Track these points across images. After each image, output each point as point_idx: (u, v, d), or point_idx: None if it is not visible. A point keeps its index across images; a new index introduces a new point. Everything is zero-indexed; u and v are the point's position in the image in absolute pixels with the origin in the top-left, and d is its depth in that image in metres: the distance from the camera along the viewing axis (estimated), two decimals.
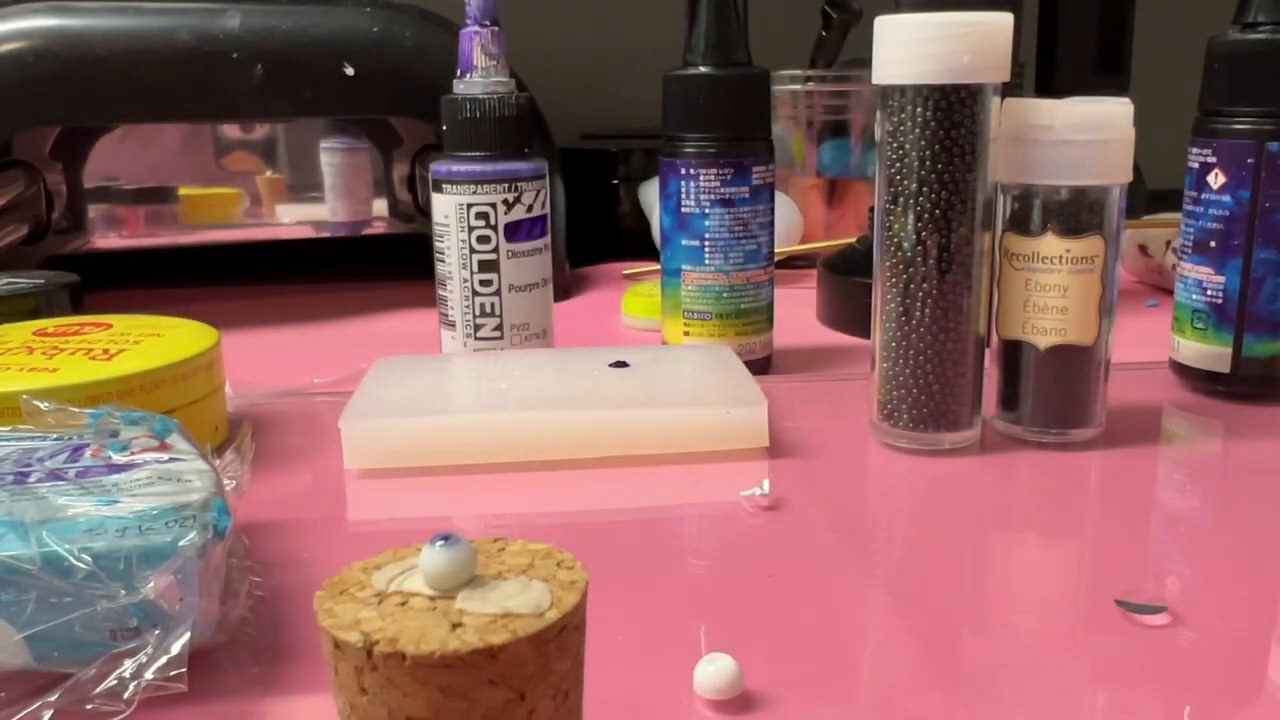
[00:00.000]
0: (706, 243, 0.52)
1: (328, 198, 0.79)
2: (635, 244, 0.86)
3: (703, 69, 0.51)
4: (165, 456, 0.31)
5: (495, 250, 0.49)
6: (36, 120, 0.66)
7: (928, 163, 0.40)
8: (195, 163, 0.77)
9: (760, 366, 0.54)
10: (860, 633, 0.30)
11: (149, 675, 0.25)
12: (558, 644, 0.19)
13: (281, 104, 0.65)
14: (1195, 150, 0.48)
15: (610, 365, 0.46)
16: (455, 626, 0.18)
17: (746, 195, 0.51)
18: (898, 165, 0.40)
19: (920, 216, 0.40)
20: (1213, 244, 0.47)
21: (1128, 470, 0.41)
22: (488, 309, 0.50)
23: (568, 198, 0.75)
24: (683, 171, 0.51)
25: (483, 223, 0.49)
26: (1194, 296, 0.48)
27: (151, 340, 0.42)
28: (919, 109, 0.39)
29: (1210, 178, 0.47)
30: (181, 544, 0.26)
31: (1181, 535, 0.36)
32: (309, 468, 0.42)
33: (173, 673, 0.25)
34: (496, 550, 0.21)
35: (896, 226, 0.41)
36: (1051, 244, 0.41)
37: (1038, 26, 0.76)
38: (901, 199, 0.40)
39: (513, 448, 0.41)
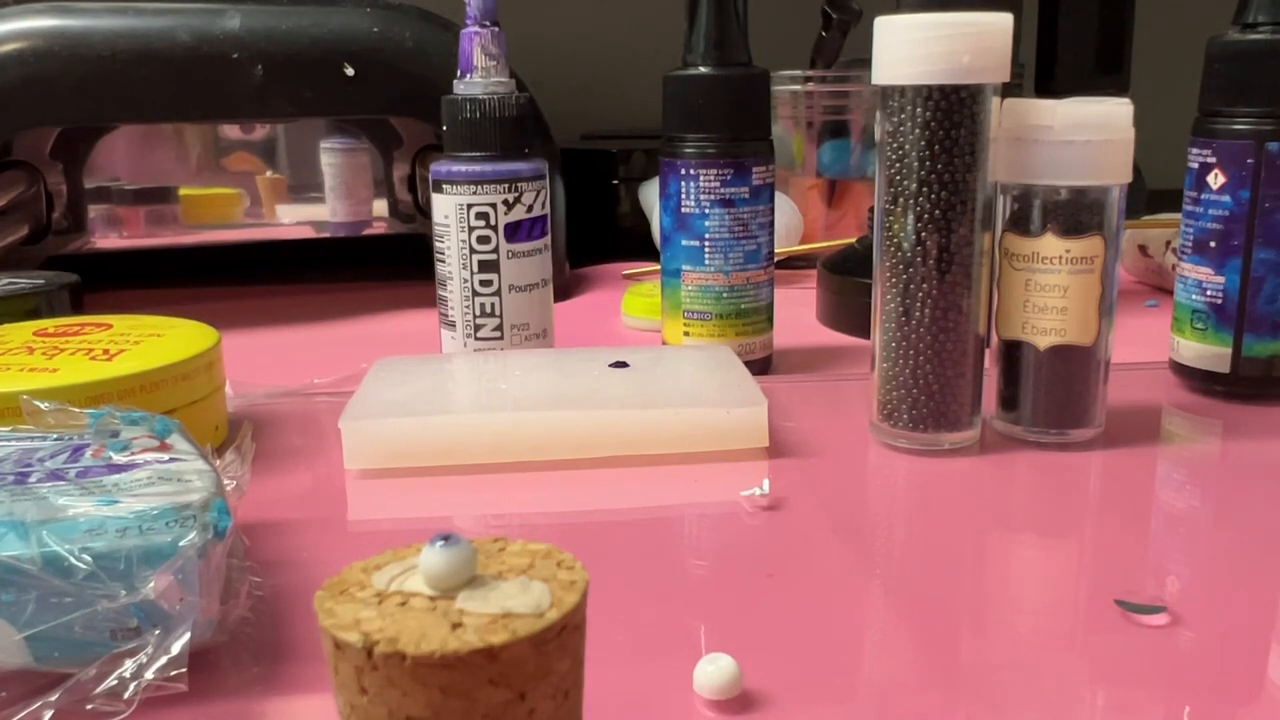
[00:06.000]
0: (706, 243, 0.52)
1: (328, 198, 0.79)
2: (635, 244, 0.86)
3: (703, 69, 0.51)
4: (165, 456, 0.31)
5: (495, 250, 0.49)
6: (36, 120, 0.66)
7: (928, 163, 0.40)
8: (195, 163, 0.77)
9: (760, 366, 0.54)
10: (860, 633, 0.30)
11: (149, 675, 0.25)
12: (558, 644, 0.19)
13: (281, 104, 0.65)
14: (1195, 150, 0.48)
15: (610, 365, 0.46)
16: (455, 626, 0.18)
17: (746, 195, 0.51)
18: (898, 165, 0.40)
19: (920, 216, 0.40)
20: (1212, 244, 0.47)
21: (1128, 470, 0.41)
22: (488, 309, 0.50)
23: (568, 198, 0.75)
24: (683, 172, 0.51)
25: (483, 223, 0.49)
26: (1194, 296, 0.48)
27: (152, 340, 0.42)
28: (919, 109, 0.39)
29: (1210, 178, 0.47)
30: (182, 544, 0.26)
31: (1181, 535, 0.36)
32: (309, 468, 0.42)
33: (173, 673, 0.25)
34: (496, 550, 0.21)
35: (896, 227, 0.41)
36: (1051, 244, 0.41)
37: (1038, 26, 0.75)
38: (901, 199, 0.41)
39: (513, 448, 0.41)
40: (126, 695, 0.25)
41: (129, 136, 0.75)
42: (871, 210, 0.52)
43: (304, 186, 0.79)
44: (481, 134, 0.49)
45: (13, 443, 0.31)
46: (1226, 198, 0.46)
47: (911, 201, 0.40)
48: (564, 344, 0.53)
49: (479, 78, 0.49)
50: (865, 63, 0.49)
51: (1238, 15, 0.47)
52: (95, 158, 0.75)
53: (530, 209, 0.49)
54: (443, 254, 0.50)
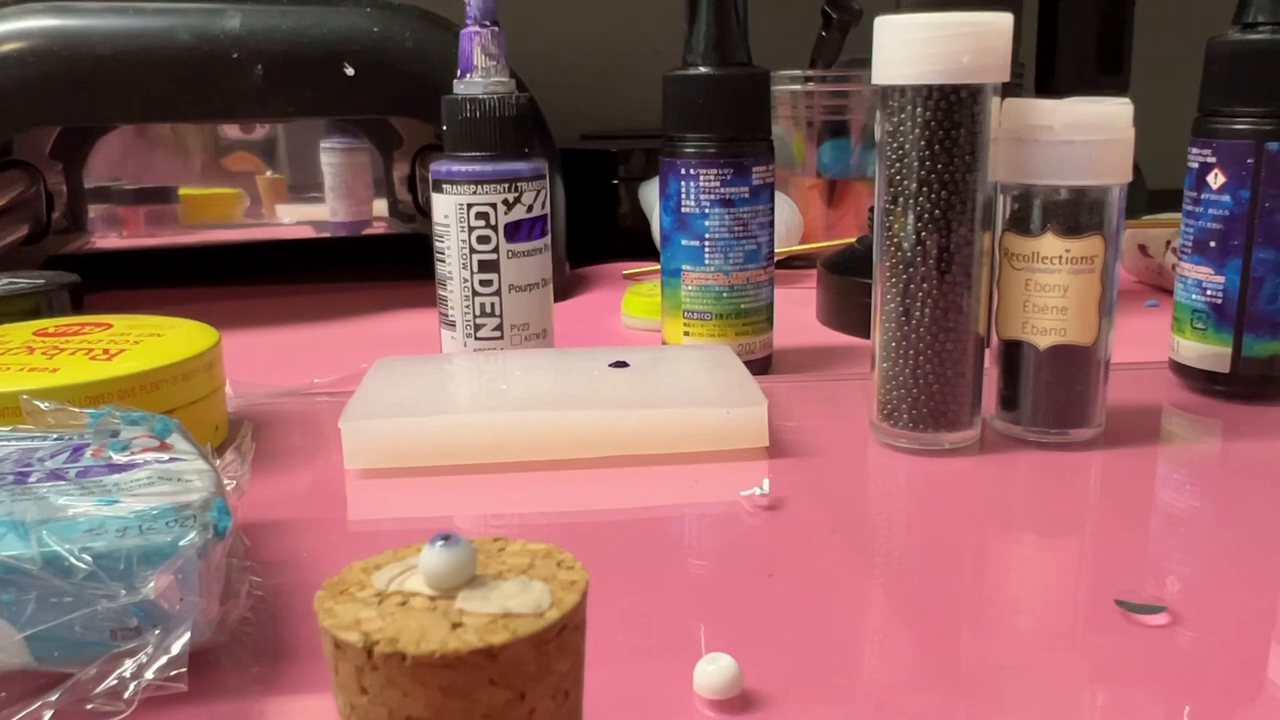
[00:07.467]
0: (706, 243, 0.52)
1: (328, 198, 0.79)
2: (635, 244, 0.86)
3: (703, 69, 0.51)
4: (165, 456, 0.31)
5: (495, 250, 0.49)
6: (36, 120, 0.66)
7: (928, 163, 0.40)
8: (195, 163, 0.77)
9: (760, 366, 0.54)
10: (860, 633, 0.30)
11: (149, 675, 0.25)
12: (558, 644, 0.19)
13: (281, 104, 0.65)
14: (1195, 150, 0.48)
15: (610, 365, 0.46)
16: (455, 626, 0.18)
17: (746, 195, 0.51)
18: (898, 165, 0.40)
19: (920, 216, 0.40)
20: (1212, 244, 0.47)
21: (1128, 470, 0.41)
22: (488, 309, 0.50)
23: (568, 198, 0.75)
24: (683, 171, 0.51)
25: (483, 223, 0.49)
26: (1194, 296, 0.48)
27: (151, 340, 0.42)
28: (919, 109, 0.39)
29: (1210, 178, 0.47)
30: (182, 544, 0.26)
31: (1181, 535, 0.36)
32: (309, 468, 0.42)
33: (173, 673, 0.25)
34: (496, 550, 0.21)
35: (896, 226, 0.41)
36: (1051, 244, 0.41)
37: (1038, 26, 0.75)
38: (901, 199, 0.40)
39: (513, 448, 0.41)
40: (126, 695, 0.25)
41: (129, 136, 0.75)
42: (871, 210, 0.52)
43: (304, 186, 0.79)
44: (481, 134, 0.49)
45: (13, 443, 0.31)
46: (1226, 197, 0.46)
47: (911, 201, 0.40)
48: (564, 344, 0.53)
49: (479, 78, 0.49)
50: (865, 63, 0.49)
51: (1238, 15, 0.47)
52: (95, 158, 0.75)
53: (530, 209, 0.49)
54: (443, 254, 0.50)
